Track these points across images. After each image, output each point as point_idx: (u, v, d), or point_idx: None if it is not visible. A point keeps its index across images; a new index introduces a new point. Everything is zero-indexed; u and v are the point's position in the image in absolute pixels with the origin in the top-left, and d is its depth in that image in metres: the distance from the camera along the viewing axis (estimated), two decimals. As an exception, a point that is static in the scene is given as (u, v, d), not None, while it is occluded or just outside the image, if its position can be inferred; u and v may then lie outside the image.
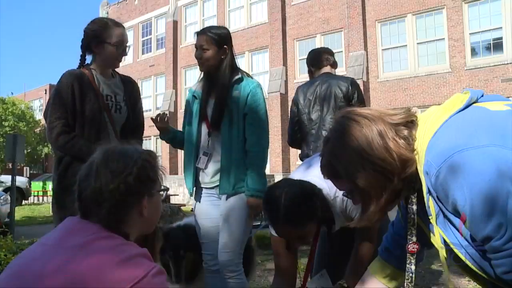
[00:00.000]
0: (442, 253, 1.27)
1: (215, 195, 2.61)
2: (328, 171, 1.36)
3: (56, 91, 2.49)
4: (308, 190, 1.86)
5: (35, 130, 32.82)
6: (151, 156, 1.37)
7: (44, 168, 34.64)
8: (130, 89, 2.71)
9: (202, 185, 2.64)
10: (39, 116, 33.33)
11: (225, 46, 2.57)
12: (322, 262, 2.28)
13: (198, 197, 2.66)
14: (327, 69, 3.45)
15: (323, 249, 2.31)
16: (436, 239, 1.24)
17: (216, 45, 2.55)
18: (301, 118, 3.39)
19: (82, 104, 2.47)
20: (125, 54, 2.59)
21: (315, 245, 2.21)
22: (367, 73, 16.51)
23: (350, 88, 3.27)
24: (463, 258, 1.20)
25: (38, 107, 35.63)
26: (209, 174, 2.61)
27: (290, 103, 3.82)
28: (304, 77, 15.74)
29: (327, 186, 1.87)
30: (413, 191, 1.29)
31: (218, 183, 2.57)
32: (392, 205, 1.33)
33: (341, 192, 1.40)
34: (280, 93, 18.11)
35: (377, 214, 1.28)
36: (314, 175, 1.89)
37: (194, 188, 2.67)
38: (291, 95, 15.58)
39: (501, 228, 1.03)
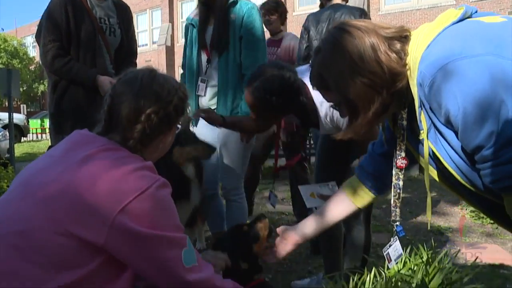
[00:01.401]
0: (428, 172, 1.30)
1: None
2: (317, 82, 1.36)
3: (48, 12, 2.42)
4: (287, 88, 1.90)
5: (30, 68, 32.31)
6: (186, 90, 1.38)
7: (41, 105, 34.45)
8: (123, 12, 2.66)
9: None
10: (33, 53, 32.68)
11: None
12: (324, 174, 2.30)
13: (196, 121, 2.67)
14: (338, 0, 3.59)
15: (325, 161, 2.34)
16: (425, 152, 1.26)
17: None
18: (311, 44, 3.44)
19: (76, 26, 2.41)
20: None
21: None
22: (368, 5, 15.99)
23: (362, 17, 3.38)
24: (452, 171, 1.23)
25: (31, 43, 34.71)
26: (207, 99, 2.62)
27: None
28: (303, 9, 15.31)
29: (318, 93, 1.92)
30: (403, 107, 1.31)
31: (215, 107, 2.57)
32: (380, 120, 1.35)
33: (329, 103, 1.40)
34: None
35: (363, 127, 1.30)
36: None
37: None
38: (290, 27, 15.24)
39: (493, 136, 1.04)
